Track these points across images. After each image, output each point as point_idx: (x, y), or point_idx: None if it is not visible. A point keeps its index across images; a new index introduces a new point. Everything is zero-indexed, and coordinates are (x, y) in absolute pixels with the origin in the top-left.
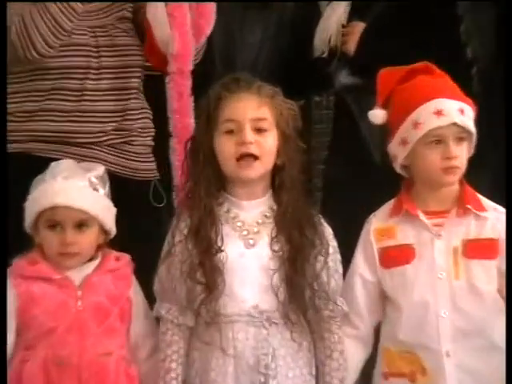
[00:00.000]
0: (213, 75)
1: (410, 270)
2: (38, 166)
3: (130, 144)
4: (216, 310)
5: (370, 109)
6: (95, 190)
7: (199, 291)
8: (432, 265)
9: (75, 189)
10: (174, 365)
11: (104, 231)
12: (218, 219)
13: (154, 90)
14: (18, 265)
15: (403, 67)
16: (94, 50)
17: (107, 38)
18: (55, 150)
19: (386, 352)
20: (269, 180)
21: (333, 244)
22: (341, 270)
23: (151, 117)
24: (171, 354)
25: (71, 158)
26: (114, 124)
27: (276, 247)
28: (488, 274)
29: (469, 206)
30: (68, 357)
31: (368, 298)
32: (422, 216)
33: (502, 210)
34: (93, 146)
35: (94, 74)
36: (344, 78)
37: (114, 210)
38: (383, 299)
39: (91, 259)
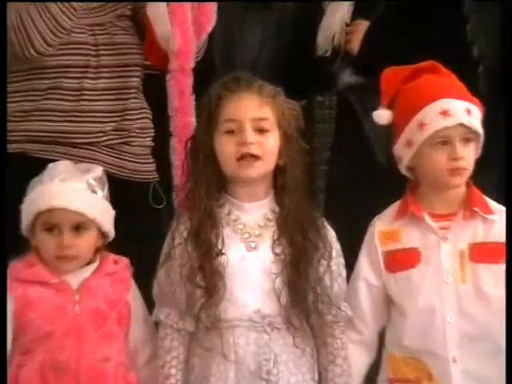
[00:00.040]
0: (214, 73)
1: (415, 274)
2: (35, 167)
3: (128, 145)
4: (216, 314)
5: (374, 109)
6: (93, 191)
7: (199, 295)
8: (438, 269)
9: (73, 191)
10: (173, 371)
11: (102, 234)
12: (218, 221)
13: (153, 89)
14: (15, 268)
15: (408, 66)
16: (93, 48)
17: (106, 36)
18: (52, 150)
19: (391, 358)
20: (270, 181)
21: (336, 247)
22: (344, 273)
23: (151, 117)
24: (170, 360)
25: (69, 159)
26: (112, 124)
27: (278, 250)
28: (495, 278)
29: (476, 209)
30: (66, 362)
31: (372, 303)
32: (427, 219)
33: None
34: (91, 147)
35: (92, 72)
36: (347, 77)
37: (112, 213)
38: (388, 304)
39: (89, 263)
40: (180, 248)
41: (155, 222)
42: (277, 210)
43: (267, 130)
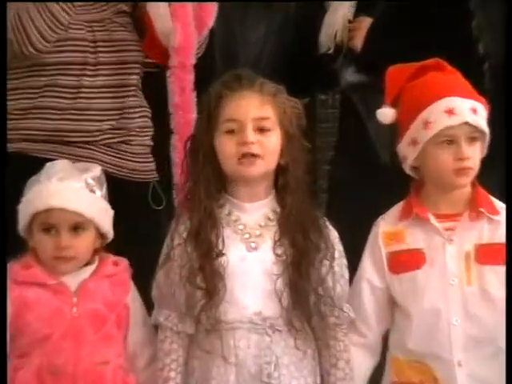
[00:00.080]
0: (215, 69)
1: (420, 276)
2: (33, 166)
3: (127, 144)
4: (216, 316)
5: (378, 108)
6: (92, 191)
7: (199, 297)
8: (443, 270)
9: (71, 190)
10: (172, 374)
11: (101, 235)
12: (218, 222)
13: (152, 87)
14: (12, 269)
15: (413, 64)
16: (91, 45)
17: (104, 32)
18: (50, 149)
19: (395, 361)
20: (272, 181)
21: (338, 248)
22: (347, 275)
23: (150, 115)
24: (170, 363)
25: (67, 158)
26: (111, 123)
27: (279, 251)
28: (501, 279)
29: (482, 210)
30: (63, 365)
31: (376, 305)
32: (432, 219)
33: None
34: (89, 146)
35: (90, 70)
36: (350, 75)
37: (111, 213)
38: (392, 306)
39: (87, 264)
40: (179, 249)
41: (154, 223)
42: (278, 210)
43: (268, 130)
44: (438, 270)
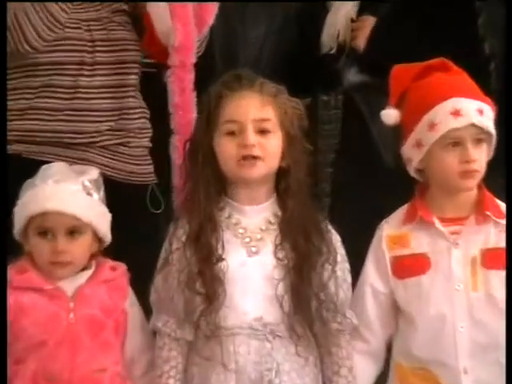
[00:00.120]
0: (215, 69)
1: (425, 281)
2: (28, 168)
3: (125, 145)
4: (216, 322)
5: (382, 109)
6: (89, 194)
7: (198, 302)
8: (449, 275)
9: (67, 193)
10: (171, 381)
11: (98, 239)
12: (218, 225)
13: (151, 87)
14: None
15: (418, 64)
16: (89, 44)
17: (102, 31)
18: (46, 151)
19: (398, 368)
20: (273, 183)
21: (341, 252)
22: (350, 280)
23: (148, 116)
24: (168, 370)
25: (63, 160)
26: (109, 124)
27: (280, 255)
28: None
29: (488, 213)
30: (59, 372)
31: (379, 310)
32: (437, 223)
33: None
34: (86, 148)
35: (88, 70)
36: (353, 75)
37: (108, 216)
38: (396, 311)
39: (84, 269)
40: (178, 253)
41: (153, 226)
42: (279, 213)
43: (269, 131)
44: (443, 275)
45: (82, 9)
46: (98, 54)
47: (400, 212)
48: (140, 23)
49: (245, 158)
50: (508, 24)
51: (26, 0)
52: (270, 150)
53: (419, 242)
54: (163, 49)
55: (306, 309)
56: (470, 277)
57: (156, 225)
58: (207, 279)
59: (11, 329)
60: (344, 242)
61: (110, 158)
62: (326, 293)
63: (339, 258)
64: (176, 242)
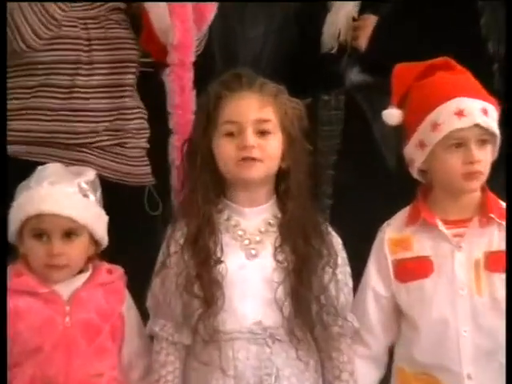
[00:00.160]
0: (214, 68)
1: (428, 285)
2: (23, 170)
3: (122, 146)
4: (214, 326)
5: (384, 109)
6: (85, 196)
7: (196, 306)
8: (452, 279)
9: (63, 195)
10: None
11: (95, 241)
12: (217, 228)
13: (148, 87)
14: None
15: (421, 63)
16: (85, 43)
17: (99, 30)
18: (41, 152)
19: (401, 373)
20: (272, 185)
21: (342, 255)
22: (351, 283)
23: (146, 117)
24: (166, 375)
25: (59, 161)
26: (106, 124)
27: (280, 258)
28: None
29: (492, 215)
30: (55, 377)
31: (381, 314)
32: (440, 225)
33: None
34: (83, 149)
35: (84, 69)
36: (355, 75)
37: (105, 218)
38: (398, 316)
39: (81, 272)
40: (176, 256)
41: (150, 229)
42: (279, 215)
43: (269, 132)
44: (447, 279)
45: (78, 7)
46: (94, 53)
47: (402, 214)
48: (138, 21)
49: (244, 159)
50: (508, 24)
51: (26, 0)
52: (270, 151)
53: (422, 245)
54: (162, 47)
55: (306, 312)
56: (473, 280)
57: (153, 227)
58: (205, 282)
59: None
60: (345, 244)
61: (107, 159)
62: (326, 296)
63: (340, 261)
64: (174, 244)
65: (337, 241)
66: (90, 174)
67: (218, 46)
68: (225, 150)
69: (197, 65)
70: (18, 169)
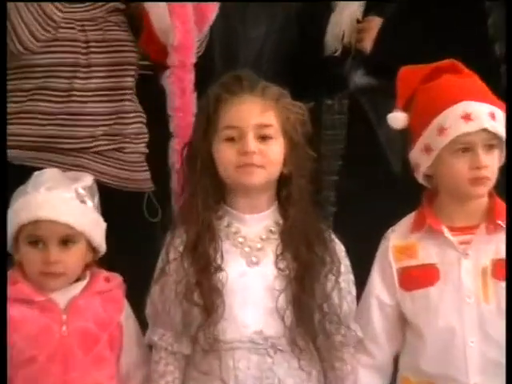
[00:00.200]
0: (214, 70)
1: (433, 293)
2: (20, 176)
3: (121, 151)
4: (215, 335)
5: (388, 112)
6: (82, 202)
7: (196, 315)
8: (459, 287)
9: (60, 201)
10: None
11: (92, 248)
12: (217, 234)
13: (147, 90)
14: None
15: (427, 65)
16: (83, 45)
17: (97, 32)
18: (38, 157)
19: (405, 382)
20: (274, 191)
21: (345, 262)
22: (354, 291)
23: (145, 121)
24: None
25: (56, 166)
26: (104, 128)
27: (282, 265)
28: None
29: (499, 222)
30: None
31: (386, 323)
32: (446, 232)
33: None
34: (80, 154)
35: (82, 72)
36: (359, 78)
37: (103, 225)
38: (402, 324)
39: (78, 280)
40: (175, 263)
41: (149, 235)
42: (280, 221)
43: (271, 138)
44: (453, 287)
45: (76, 8)
46: (92, 56)
47: (407, 220)
48: (137, 23)
49: (245, 165)
50: (508, 24)
51: (25, 0)
52: (272, 157)
53: (427, 253)
54: (162, 47)
55: (308, 321)
56: (480, 288)
57: (152, 234)
58: (205, 290)
59: None
60: (349, 251)
61: (105, 164)
62: (329, 304)
63: (343, 269)
64: (173, 251)
65: (340, 248)
66: (88, 179)
67: (219, 47)
68: (225, 155)
69: (198, 66)
70: (13, 174)
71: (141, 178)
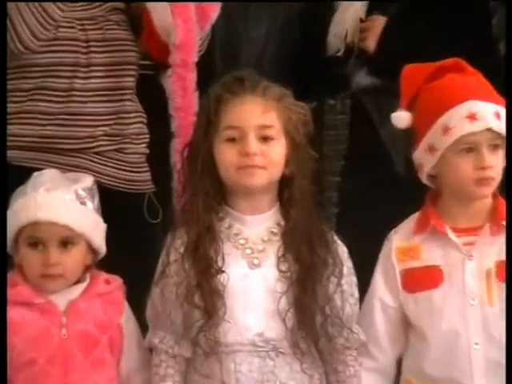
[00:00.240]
0: (215, 69)
1: (437, 295)
2: (19, 176)
3: (121, 152)
4: (216, 338)
5: (392, 112)
6: (82, 203)
7: (197, 317)
8: (462, 289)
9: (60, 202)
10: None
11: (92, 250)
12: (218, 236)
13: (148, 90)
14: None
15: (431, 64)
16: (83, 44)
17: (97, 31)
18: (37, 158)
19: None
20: (275, 192)
21: (348, 264)
22: (357, 293)
23: (145, 121)
24: None
25: (55, 167)
26: (104, 129)
27: (283, 267)
28: None
29: (504, 223)
30: None
31: (389, 325)
32: (450, 234)
33: None
34: (80, 154)
35: (82, 71)
36: (362, 78)
37: (103, 227)
38: (406, 327)
39: (78, 282)
40: (176, 265)
41: (150, 237)
42: (282, 223)
43: (272, 138)
44: (457, 289)
45: (76, 7)
46: (93, 55)
47: (410, 221)
48: (137, 22)
49: (246, 166)
50: (508, 24)
51: (25, 0)
52: (273, 158)
53: (431, 254)
54: (163, 45)
55: (310, 324)
56: (485, 290)
57: (153, 235)
58: (206, 292)
59: None
60: (351, 253)
61: (105, 165)
62: (331, 307)
63: (346, 271)
64: (174, 253)
65: (342, 249)
66: (88, 180)
67: (220, 46)
68: (226, 156)
69: (199, 66)
70: (12, 175)
71: (141, 178)
